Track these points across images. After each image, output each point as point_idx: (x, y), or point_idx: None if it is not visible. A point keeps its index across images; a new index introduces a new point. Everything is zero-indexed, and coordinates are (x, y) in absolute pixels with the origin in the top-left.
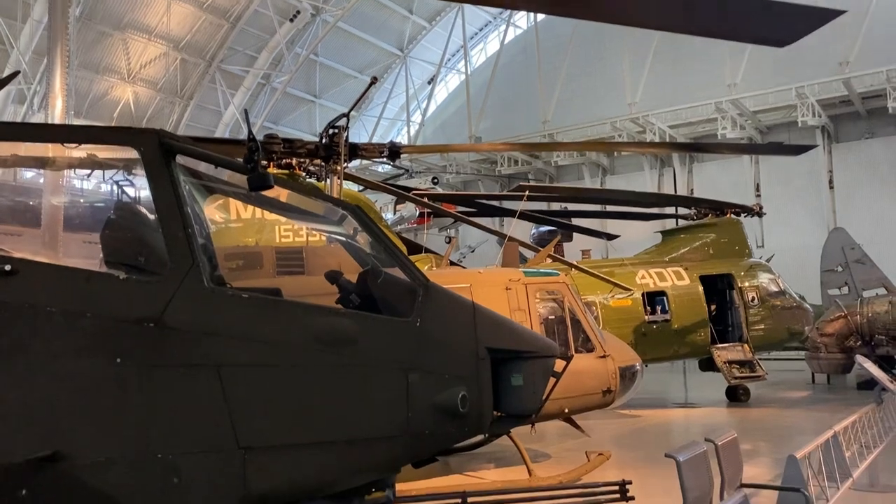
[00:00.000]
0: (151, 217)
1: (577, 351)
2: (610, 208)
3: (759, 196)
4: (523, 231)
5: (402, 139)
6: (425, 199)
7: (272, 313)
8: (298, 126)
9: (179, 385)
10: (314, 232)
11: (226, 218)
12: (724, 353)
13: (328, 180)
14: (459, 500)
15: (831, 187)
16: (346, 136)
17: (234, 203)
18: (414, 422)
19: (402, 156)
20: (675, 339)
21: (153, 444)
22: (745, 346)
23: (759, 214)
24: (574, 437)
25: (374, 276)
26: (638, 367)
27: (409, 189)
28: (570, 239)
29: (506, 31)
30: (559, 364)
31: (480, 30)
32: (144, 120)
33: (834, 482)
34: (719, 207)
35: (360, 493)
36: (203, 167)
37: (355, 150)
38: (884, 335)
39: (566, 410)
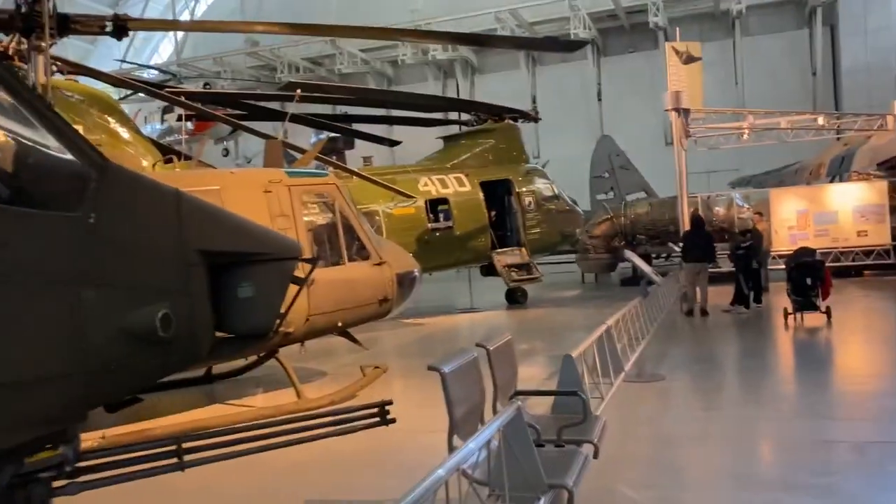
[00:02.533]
0: None
1: (350, 259)
2: (394, 114)
3: (535, 106)
4: (303, 138)
5: (168, 42)
6: (182, 99)
7: None
8: None
9: None
10: None
11: None
12: (504, 257)
13: (32, 61)
14: (173, 447)
15: (599, 99)
16: (53, 4)
17: None
18: (93, 354)
19: (130, 32)
20: (458, 246)
21: None
22: (523, 249)
23: (535, 119)
24: (355, 352)
25: (24, 156)
26: (416, 274)
27: (161, 87)
28: (351, 146)
29: None
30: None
31: None
32: None
33: (608, 377)
34: (498, 113)
35: (19, 453)
36: None
37: (66, 23)
38: (644, 235)
39: (340, 324)
